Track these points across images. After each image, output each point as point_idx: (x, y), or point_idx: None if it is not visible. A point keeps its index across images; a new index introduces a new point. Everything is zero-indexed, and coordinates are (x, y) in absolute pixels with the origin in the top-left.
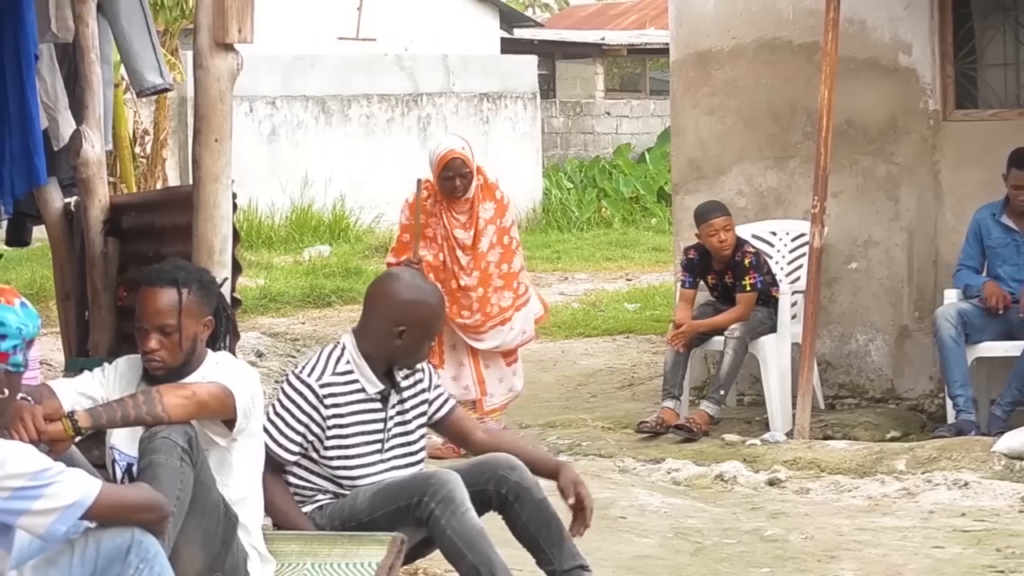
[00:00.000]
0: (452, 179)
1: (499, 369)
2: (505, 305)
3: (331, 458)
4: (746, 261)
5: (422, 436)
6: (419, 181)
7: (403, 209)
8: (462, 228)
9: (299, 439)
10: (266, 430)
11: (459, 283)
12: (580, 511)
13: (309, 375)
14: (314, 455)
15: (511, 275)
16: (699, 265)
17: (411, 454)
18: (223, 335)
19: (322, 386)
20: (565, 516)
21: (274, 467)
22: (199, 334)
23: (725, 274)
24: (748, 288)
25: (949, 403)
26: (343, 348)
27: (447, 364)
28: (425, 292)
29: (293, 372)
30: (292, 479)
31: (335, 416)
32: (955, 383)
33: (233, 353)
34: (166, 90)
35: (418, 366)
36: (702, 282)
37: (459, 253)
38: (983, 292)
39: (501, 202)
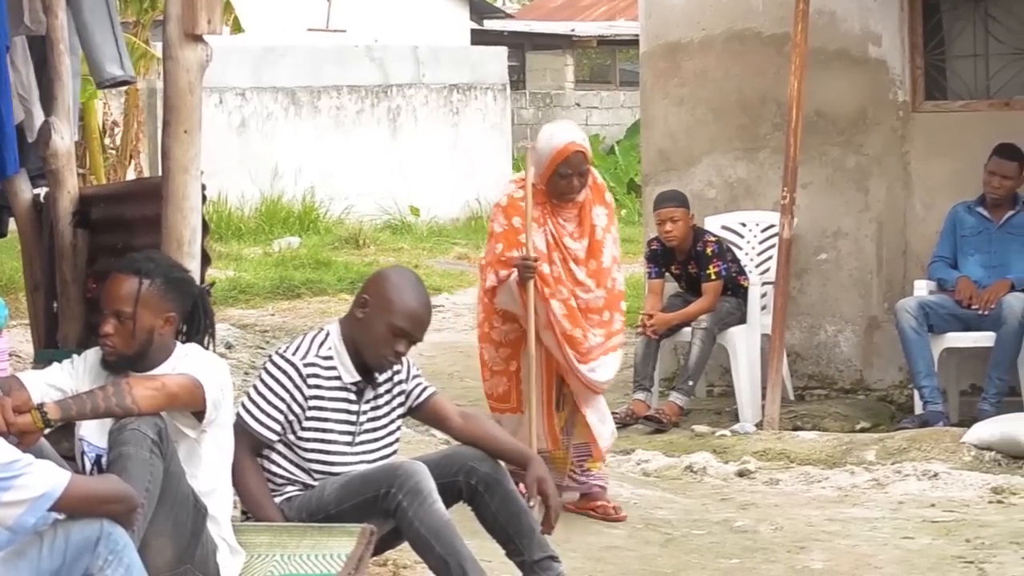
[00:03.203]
0: (570, 178)
1: (599, 407)
2: (616, 329)
3: (307, 440)
4: (708, 250)
5: (397, 429)
6: (528, 149)
7: (495, 215)
8: (570, 237)
9: (280, 416)
10: (246, 408)
11: (578, 301)
12: (546, 510)
13: (293, 354)
14: (291, 437)
15: (621, 295)
16: (662, 256)
17: (383, 447)
18: (200, 336)
19: (306, 365)
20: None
21: (252, 448)
22: (157, 328)
23: (688, 264)
24: (713, 277)
25: (916, 394)
26: (327, 334)
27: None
28: (403, 276)
29: (277, 352)
30: (265, 463)
31: (316, 398)
32: (919, 374)
33: (203, 346)
34: (127, 82)
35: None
36: (669, 273)
37: (573, 266)
38: (956, 287)
39: (611, 206)
